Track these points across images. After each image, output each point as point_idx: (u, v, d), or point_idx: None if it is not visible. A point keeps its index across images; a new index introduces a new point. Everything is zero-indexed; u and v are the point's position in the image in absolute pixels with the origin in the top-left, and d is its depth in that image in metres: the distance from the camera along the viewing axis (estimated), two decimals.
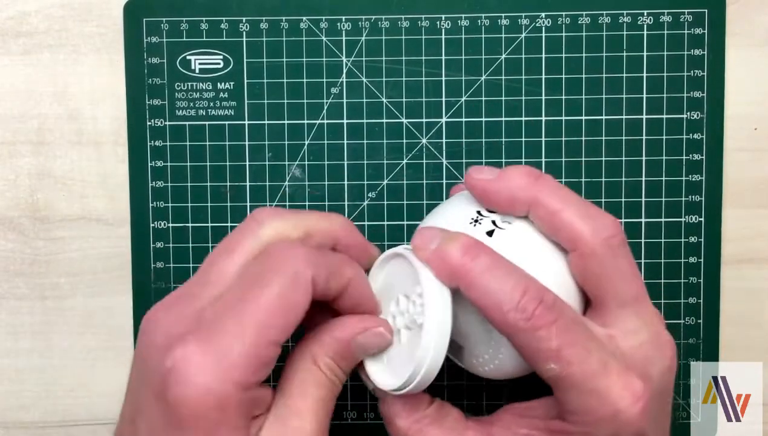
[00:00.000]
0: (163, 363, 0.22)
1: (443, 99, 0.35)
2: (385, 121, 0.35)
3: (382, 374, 0.27)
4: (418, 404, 0.27)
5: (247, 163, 0.35)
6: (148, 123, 0.35)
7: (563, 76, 0.35)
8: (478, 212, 0.27)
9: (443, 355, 0.25)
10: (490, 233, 0.26)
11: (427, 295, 0.25)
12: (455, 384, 0.35)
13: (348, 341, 0.26)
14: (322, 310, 0.27)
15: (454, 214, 0.27)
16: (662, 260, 0.35)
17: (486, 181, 0.26)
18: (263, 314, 0.23)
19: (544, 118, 0.35)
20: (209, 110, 0.35)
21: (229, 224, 0.35)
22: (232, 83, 0.35)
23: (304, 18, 0.35)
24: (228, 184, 0.35)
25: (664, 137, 0.35)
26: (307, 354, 0.26)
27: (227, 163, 0.35)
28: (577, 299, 0.26)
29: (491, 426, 0.26)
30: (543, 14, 0.35)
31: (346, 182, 0.35)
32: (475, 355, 0.27)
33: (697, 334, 0.35)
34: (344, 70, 0.35)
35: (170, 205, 0.35)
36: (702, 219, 0.35)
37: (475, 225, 0.26)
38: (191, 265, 0.35)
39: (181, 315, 0.24)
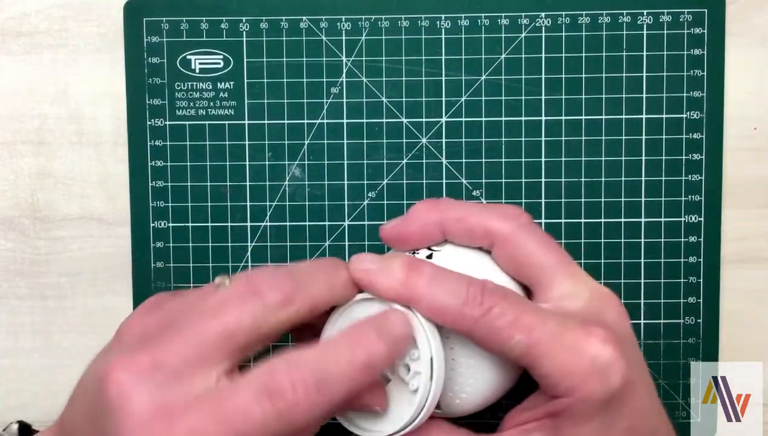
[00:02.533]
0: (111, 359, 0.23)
1: (443, 99, 0.35)
2: (385, 120, 0.35)
3: (373, 423, 0.26)
4: (428, 428, 0.27)
5: (247, 162, 0.35)
6: (148, 123, 0.35)
7: (563, 75, 0.35)
8: (412, 250, 0.28)
9: (441, 389, 0.25)
10: (429, 257, 0.27)
11: (420, 335, 0.25)
12: None
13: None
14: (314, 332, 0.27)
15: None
16: (662, 260, 0.35)
17: (398, 225, 0.28)
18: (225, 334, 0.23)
19: (543, 118, 0.35)
20: (209, 110, 0.35)
21: (228, 224, 0.35)
22: (232, 83, 0.35)
23: (304, 18, 0.35)
24: (228, 184, 0.35)
25: (663, 137, 0.35)
26: None
27: (227, 163, 0.35)
28: (517, 290, 0.27)
29: (501, 434, 0.27)
30: (543, 14, 0.35)
31: (345, 182, 0.35)
32: (449, 386, 0.27)
33: (697, 334, 0.35)
34: (344, 70, 0.35)
35: (170, 205, 0.35)
36: (702, 219, 0.35)
37: (414, 254, 0.28)
38: (191, 265, 0.35)
39: (152, 325, 0.25)
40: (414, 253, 0.28)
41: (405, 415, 0.25)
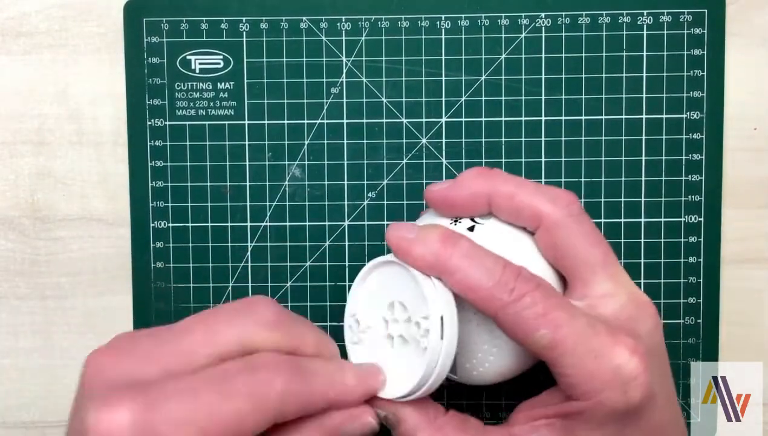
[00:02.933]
0: (87, 417, 0.21)
1: (443, 99, 0.35)
2: (385, 121, 0.35)
3: (386, 385, 0.26)
4: (436, 414, 0.26)
5: (247, 163, 0.35)
6: (148, 123, 0.35)
7: (563, 76, 0.35)
8: (455, 217, 0.28)
9: (455, 345, 0.25)
10: (471, 229, 0.27)
11: (431, 300, 0.25)
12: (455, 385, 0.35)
13: (336, 427, 0.25)
14: None
15: (433, 221, 0.28)
16: (662, 260, 0.35)
17: (445, 189, 0.27)
18: (207, 422, 0.22)
19: (543, 118, 0.35)
20: (209, 110, 0.35)
21: (228, 224, 0.35)
22: (232, 83, 0.35)
23: (304, 18, 0.35)
24: (228, 184, 0.35)
25: (663, 137, 0.35)
26: None
27: (227, 163, 0.35)
28: (554, 279, 0.27)
29: (511, 428, 0.26)
30: (543, 14, 0.35)
31: (346, 182, 0.35)
32: (468, 357, 0.27)
33: (697, 334, 0.35)
34: (344, 70, 0.35)
35: (170, 205, 0.35)
36: (702, 219, 0.35)
37: (455, 224, 0.27)
38: (191, 265, 0.35)
39: (127, 371, 0.23)
40: (457, 221, 0.27)
41: (416, 375, 0.25)
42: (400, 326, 0.26)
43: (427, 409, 0.26)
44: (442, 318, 0.24)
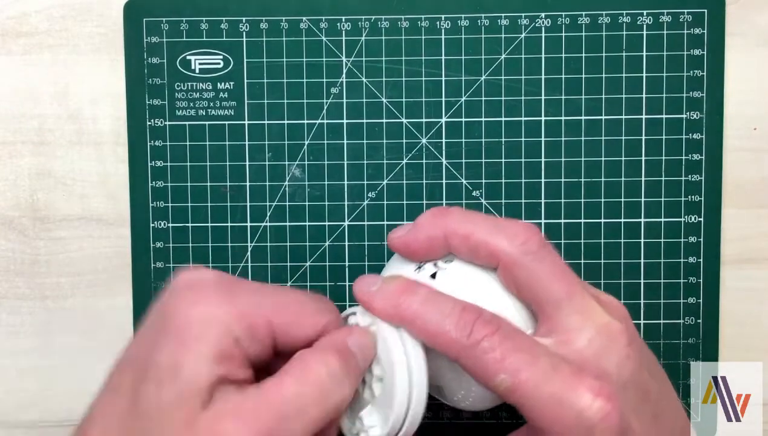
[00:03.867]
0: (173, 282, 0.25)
1: (443, 99, 0.35)
2: (384, 121, 0.35)
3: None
4: None
5: (247, 163, 0.35)
6: (148, 123, 0.35)
7: (563, 76, 0.35)
8: (420, 262, 0.28)
9: (425, 390, 0.25)
10: (433, 275, 0.27)
11: (389, 337, 0.25)
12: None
13: (343, 342, 0.25)
14: None
15: (398, 268, 0.28)
16: (662, 260, 0.35)
17: (404, 237, 0.28)
18: (278, 301, 0.25)
19: (543, 118, 0.35)
20: (209, 110, 0.35)
21: (228, 224, 0.35)
22: (232, 83, 0.35)
23: (304, 18, 0.35)
24: (228, 184, 0.35)
25: (663, 137, 0.35)
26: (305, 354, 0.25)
27: (227, 163, 0.35)
28: (523, 317, 0.26)
29: None
30: (543, 14, 0.35)
31: (345, 182, 0.35)
32: (453, 393, 0.27)
33: (697, 334, 0.35)
34: (344, 70, 0.35)
35: (170, 205, 0.35)
36: (701, 219, 0.35)
37: (419, 271, 0.27)
38: (191, 265, 0.35)
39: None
40: (420, 267, 0.27)
41: (386, 423, 0.25)
42: (371, 374, 0.26)
43: None
44: (407, 365, 0.25)
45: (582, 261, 0.35)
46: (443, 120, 0.35)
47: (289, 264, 0.35)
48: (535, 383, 0.23)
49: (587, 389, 0.23)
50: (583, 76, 0.35)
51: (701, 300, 0.35)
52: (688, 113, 0.35)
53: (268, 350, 0.24)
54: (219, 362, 0.22)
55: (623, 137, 0.35)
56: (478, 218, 0.27)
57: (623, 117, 0.35)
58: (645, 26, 0.34)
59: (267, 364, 0.25)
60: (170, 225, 0.35)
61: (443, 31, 0.35)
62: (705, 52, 0.34)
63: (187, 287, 0.24)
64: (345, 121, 0.35)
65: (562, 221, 0.35)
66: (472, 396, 0.27)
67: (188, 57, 0.35)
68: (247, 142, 0.35)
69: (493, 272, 0.27)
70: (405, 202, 0.35)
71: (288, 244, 0.35)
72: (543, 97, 0.35)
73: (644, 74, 0.35)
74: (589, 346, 0.25)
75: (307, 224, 0.35)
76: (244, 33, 0.35)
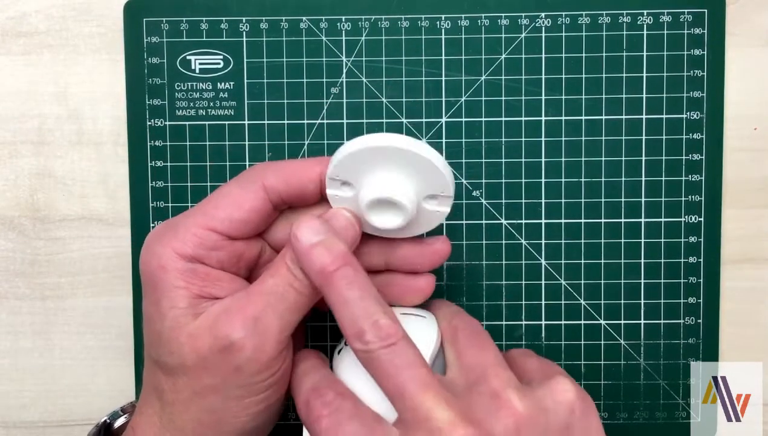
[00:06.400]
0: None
1: (443, 99, 0.35)
2: (385, 121, 0.35)
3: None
4: None
5: (247, 163, 0.35)
6: (148, 123, 0.35)
7: (563, 76, 0.35)
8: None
9: None
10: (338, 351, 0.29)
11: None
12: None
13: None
14: None
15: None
16: (662, 260, 0.35)
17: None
18: (209, 206, 0.28)
19: (543, 118, 0.35)
20: (209, 110, 0.35)
21: None
22: (232, 83, 0.35)
23: (304, 18, 0.35)
24: None
25: (663, 137, 0.35)
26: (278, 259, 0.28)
27: (227, 163, 0.35)
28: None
29: None
30: (543, 14, 0.35)
31: None
32: None
33: (697, 334, 0.35)
34: (344, 70, 0.35)
35: (170, 205, 0.35)
36: (702, 219, 0.35)
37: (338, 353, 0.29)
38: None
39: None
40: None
41: None
42: None
43: None
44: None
45: (582, 261, 0.35)
46: (443, 120, 0.35)
47: None
48: None
49: None
50: (583, 76, 0.35)
51: (701, 300, 0.35)
52: (688, 113, 0.35)
53: (239, 248, 0.28)
54: (186, 284, 0.27)
55: (623, 137, 0.35)
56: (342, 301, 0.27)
57: (623, 117, 0.35)
58: (645, 26, 0.34)
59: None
60: None
61: (443, 31, 0.35)
62: (705, 52, 0.34)
63: (144, 247, 0.28)
64: (345, 121, 0.35)
65: (562, 221, 0.35)
66: None
67: (188, 57, 0.35)
68: (247, 142, 0.35)
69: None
70: None
71: None
72: (543, 97, 0.35)
73: (644, 74, 0.35)
74: None
75: None
76: (244, 33, 0.35)
